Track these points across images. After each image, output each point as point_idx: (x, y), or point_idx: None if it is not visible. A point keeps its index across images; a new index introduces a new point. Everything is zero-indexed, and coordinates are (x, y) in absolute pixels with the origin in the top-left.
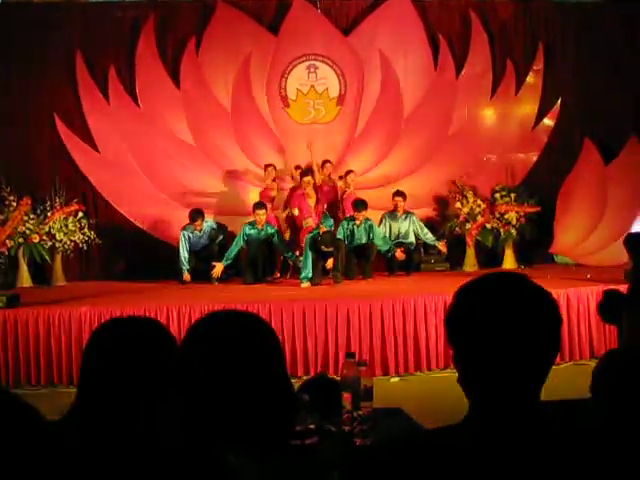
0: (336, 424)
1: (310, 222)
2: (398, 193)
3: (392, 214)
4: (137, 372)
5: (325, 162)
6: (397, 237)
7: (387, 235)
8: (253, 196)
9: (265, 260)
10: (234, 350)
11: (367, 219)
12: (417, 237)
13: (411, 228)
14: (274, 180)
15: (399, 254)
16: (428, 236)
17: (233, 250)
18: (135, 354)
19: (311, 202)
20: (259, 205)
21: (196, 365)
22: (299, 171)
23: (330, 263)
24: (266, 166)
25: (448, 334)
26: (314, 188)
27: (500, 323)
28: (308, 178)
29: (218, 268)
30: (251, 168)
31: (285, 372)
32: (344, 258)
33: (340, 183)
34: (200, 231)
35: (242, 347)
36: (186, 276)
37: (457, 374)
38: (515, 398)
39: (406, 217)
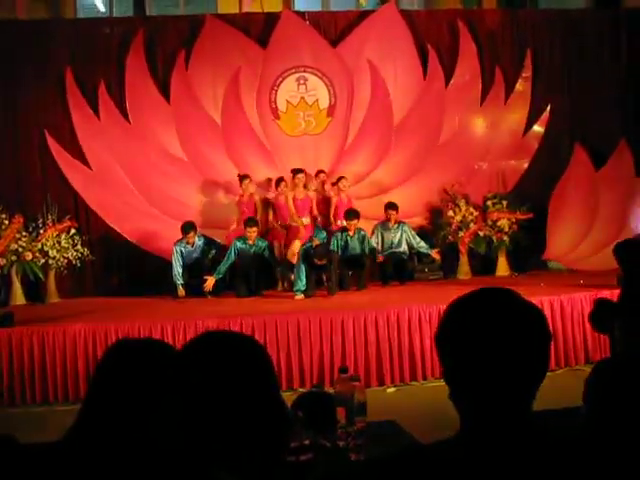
0: (331, 439)
1: (307, 221)
2: (390, 206)
3: (384, 224)
4: (147, 395)
5: (319, 172)
6: (390, 247)
7: (379, 245)
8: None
9: (258, 273)
10: (227, 371)
11: (360, 229)
12: (410, 246)
13: (404, 237)
14: (252, 193)
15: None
16: (421, 245)
17: (225, 264)
18: (150, 379)
19: (301, 195)
20: (251, 222)
21: (189, 385)
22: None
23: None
24: (243, 176)
25: (439, 351)
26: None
27: (489, 340)
28: (301, 175)
29: (210, 282)
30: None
31: (278, 392)
32: (337, 269)
33: (332, 191)
34: (192, 244)
35: (235, 369)
36: (180, 291)
37: (448, 390)
38: (506, 413)
39: (398, 227)
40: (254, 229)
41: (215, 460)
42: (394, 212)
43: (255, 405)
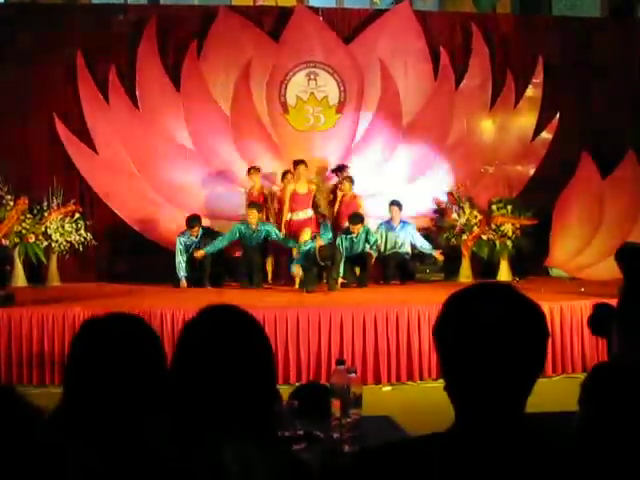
0: (324, 430)
1: (309, 213)
2: (394, 202)
3: (388, 224)
4: (122, 369)
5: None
6: (393, 247)
7: (382, 244)
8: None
9: (261, 265)
10: (230, 345)
11: (364, 226)
12: (413, 247)
13: (407, 238)
14: (262, 186)
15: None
16: (424, 246)
17: (221, 241)
18: (120, 351)
19: (302, 188)
20: (251, 205)
21: (193, 356)
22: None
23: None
24: (250, 168)
25: (436, 342)
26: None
27: (486, 333)
28: (302, 166)
29: (200, 253)
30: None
31: (274, 369)
32: (339, 266)
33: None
34: (196, 237)
35: (238, 342)
36: (183, 283)
37: (444, 382)
38: (500, 408)
39: (402, 227)
40: (254, 211)
41: (213, 432)
42: (397, 208)
43: (252, 377)
